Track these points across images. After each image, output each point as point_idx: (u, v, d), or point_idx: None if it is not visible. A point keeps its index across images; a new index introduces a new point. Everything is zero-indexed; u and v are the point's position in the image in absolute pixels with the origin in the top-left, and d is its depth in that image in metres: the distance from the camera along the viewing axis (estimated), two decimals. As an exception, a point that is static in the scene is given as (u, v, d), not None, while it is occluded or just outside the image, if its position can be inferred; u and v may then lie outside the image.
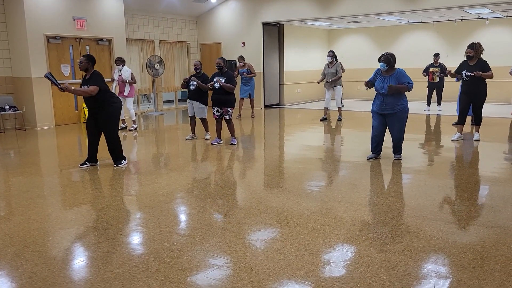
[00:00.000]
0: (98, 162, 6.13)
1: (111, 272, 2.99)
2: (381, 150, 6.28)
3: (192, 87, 7.70)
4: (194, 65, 7.89)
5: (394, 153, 6.24)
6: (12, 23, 9.56)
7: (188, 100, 7.98)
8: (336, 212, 4.14)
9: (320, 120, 10.43)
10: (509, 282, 2.78)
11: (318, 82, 10.58)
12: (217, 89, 7.21)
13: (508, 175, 5.61)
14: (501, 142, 7.76)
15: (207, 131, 8.11)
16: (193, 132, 8.15)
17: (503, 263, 3.04)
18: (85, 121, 9.47)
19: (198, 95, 7.76)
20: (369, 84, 6.05)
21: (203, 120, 7.96)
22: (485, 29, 13.22)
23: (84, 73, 6.00)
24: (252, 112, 11.46)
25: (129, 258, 3.21)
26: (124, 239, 3.60)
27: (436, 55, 11.46)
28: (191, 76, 7.83)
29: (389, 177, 5.54)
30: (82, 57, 5.88)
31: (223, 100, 7.27)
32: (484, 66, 7.09)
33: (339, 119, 10.39)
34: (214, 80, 7.25)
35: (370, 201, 4.51)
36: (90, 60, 5.84)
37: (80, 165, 6.05)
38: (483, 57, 7.25)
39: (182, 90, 8.00)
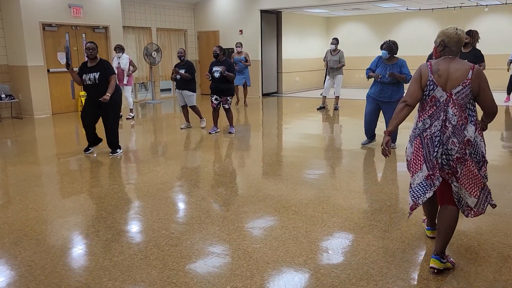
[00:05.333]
0: (101, 141, 6.19)
1: (110, 260, 3.00)
2: (375, 135, 6.31)
3: (178, 77, 7.68)
4: (178, 53, 7.85)
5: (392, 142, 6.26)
6: (7, 10, 9.45)
7: (176, 89, 7.95)
8: (334, 200, 4.15)
9: (318, 109, 10.38)
10: (505, 268, 2.81)
11: (327, 69, 10.40)
12: (217, 78, 7.19)
13: (505, 162, 5.63)
14: (498, 130, 7.77)
15: (201, 118, 8.06)
16: (187, 120, 8.12)
17: (500, 250, 3.07)
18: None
19: (185, 84, 7.73)
20: (374, 74, 6.00)
21: (194, 108, 7.91)
22: (484, 16, 13.14)
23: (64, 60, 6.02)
24: (245, 101, 11.27)
25: (128, 246, 3.22)
26: (123, 228, 3.61)
27: None
28: (175, 67, 7.76)
29: (387, 165, 5.54)
30: (92, 43, 5.80)
31: (222, 88, 7.24)
32: (477, 55, 7.03)
33: (336, 108, 10.35)
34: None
35: (368, 189, 4.52)
36: (97, 47, 5.87)
37: (85, 151, 6.12)
38: (479, 45, 7.20)
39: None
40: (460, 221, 3.62)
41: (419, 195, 2.74)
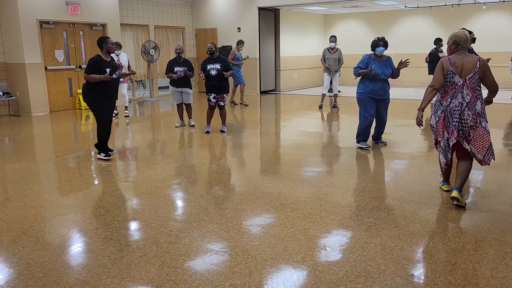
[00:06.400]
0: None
1: (108, 257, 3.00)
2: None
3: (183, 75, 7.58)
4: (177, 50, 7.68)
5: (380, 140, 6.24)
6: (4, 8, 9.42)
7: (175, 88, 7.77)
8: (332, 198, 4.16)
9: (320, 107, 10.28)
10: (502, 265, 2.82)
11: (327, 68, 10.14)
12: (213, 76, 7.11)
13: (502, 160, 5.65)
14: (499, 128, 7.77)
15: (190, 117, 8.07)
16: (182, 119, 8.10)
17: (497, 247, 3.08)
18: (81, 108, 9.23)
19: (186, 82, 7.72)
20: (367, 69, 5.80)
21: (189, 106, 7.93)
22: (482, 14, 13.16)
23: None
24: (234, 100, 11.13)
25: (127, 244, 3.22)
26: (121, 225, 3.61)
27: (441, 41, 11.18)
28: (173, 64, 7.62)
29: (384, 162, 5.56)
30: (111, 39, 5.72)
31: (220, 86, 7.19)
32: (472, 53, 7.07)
33: (335, 106, 10.33)
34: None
35: (366, 187, 4.53)
36: None
37: (108, 156, 5.67)
38: (474, 45, 7.21)
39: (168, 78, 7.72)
40: (458, 219, 3.64)
41: (447, 153, 3.86)
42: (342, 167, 5.41)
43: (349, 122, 8.85)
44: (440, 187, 4.32)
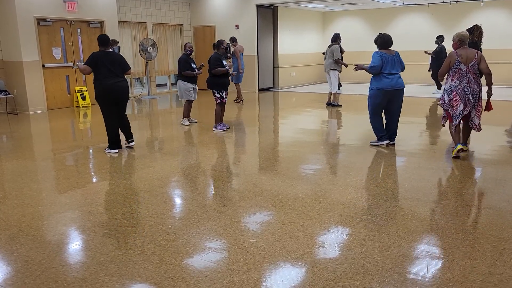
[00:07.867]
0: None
1: (106, 255, 3.00)
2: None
3: (199, 71, 7.68)
4: (190, 48, 7.72)
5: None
6: (1, 5, 9.37)
7: (192, 85, 7.75)
8: (331, 195, 4.16)
9: (339, 105, 10.08)
10: (500, 262, 2.83)
11: (346, 66, 9.90)
12: (228, 73, 7.22)
13: (500, 157, 5.66)
14: (499, 125, 7.77)
15: (189, 115, 8.13)
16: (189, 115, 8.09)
17: (495, 244, 3.09)
18: (79, 106, 9.23)
19: (197, 79, 7.81)
20: None
21: (191, 103, 7.98)
22: (480, 11, 13.16)
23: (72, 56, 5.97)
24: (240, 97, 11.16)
25: (125, 241, 3.22)
26: (119, 223, 3.60)
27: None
28: (191, 61, 7.63)
29: (383, 160, 5.56)
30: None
31: (228, 83, 7.30)
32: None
33: (335, 105, 10.29)
34: (226, 63, 7.21)
35: (365, 184, 4.53)
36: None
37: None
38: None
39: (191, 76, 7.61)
40: (456, 215, 3.65)
41: (457, 118, 5.19)
42: (341, 164, 5.42)
43: (348, 120, 8.85)
44: (454, 151, 5.29)
